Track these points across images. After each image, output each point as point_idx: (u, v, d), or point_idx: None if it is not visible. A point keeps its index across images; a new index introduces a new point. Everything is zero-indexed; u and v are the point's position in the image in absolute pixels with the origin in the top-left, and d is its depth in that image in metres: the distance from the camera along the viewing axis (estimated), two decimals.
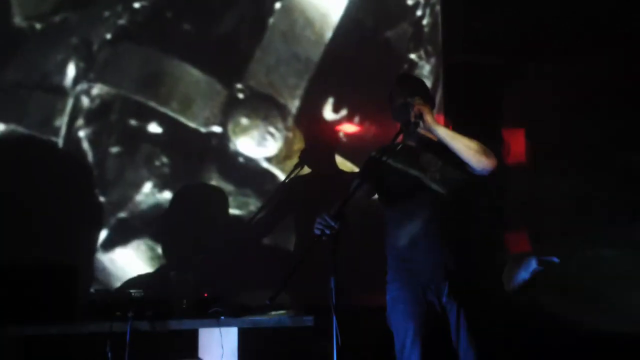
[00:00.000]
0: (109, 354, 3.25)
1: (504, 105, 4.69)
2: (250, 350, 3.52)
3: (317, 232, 2.92)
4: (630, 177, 4.45)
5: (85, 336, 3.45)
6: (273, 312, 3.49)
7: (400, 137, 3.29)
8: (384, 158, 3.24)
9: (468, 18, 4.60)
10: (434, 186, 3.23)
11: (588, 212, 4.49)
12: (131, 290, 3.61)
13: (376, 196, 3.39)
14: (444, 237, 3.19)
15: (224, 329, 3.44)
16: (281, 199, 4.41)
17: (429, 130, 3.22)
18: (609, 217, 4.43)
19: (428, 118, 3.19)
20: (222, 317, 3.43)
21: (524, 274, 3.85)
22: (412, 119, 3.19)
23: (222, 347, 3.40)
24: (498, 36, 4.58)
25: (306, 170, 4.39)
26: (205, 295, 3.59)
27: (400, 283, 3.26)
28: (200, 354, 3.66)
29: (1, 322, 3.36)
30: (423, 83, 3.54)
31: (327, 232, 2.89)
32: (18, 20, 4.25)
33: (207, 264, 4.17)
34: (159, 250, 4.32)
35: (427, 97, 3.41)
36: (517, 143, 4.67)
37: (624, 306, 4.10)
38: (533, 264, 3.88)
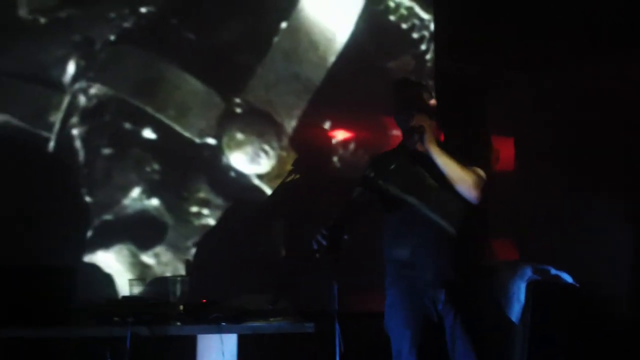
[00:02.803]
0: None
1: (494, 114, 4.82)
2: (249, 357, 3.48)
3: (315, 246, 2.95)
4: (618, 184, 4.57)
5: (77, 341, 3.35)
6: (273, 318, 3.44)
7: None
8: (380, 174, 3.32)
9: (459, 29, 4.74)
10: (433, 197, 3.31)
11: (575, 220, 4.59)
12: (127, 295, 3.54)
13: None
14: (442, 246, 3.27)
15: (224, 335, 3.38)
16: (276, 203, 4.41)
17: (426, 149, 3.32)
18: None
19: (427, 139, 3.30)
20: (223, 323, 3.37)
21: (519, 282, 3.83)
22: (415, 135, 3.30)
23: (223, 354, 3.35)
24: (488, 46, 4.74)
25: (301, 178, 4.41)
26: (204, 300, 3.54)
27: (398, 289, 3.32)
28: None
29: None
30: (422, 91, 3.58)
31: (324, 243, 2.93)
32: (23, 12, 4.19)
33: (204, 268, 4.13)
34: (141, 256, 4.25)
35: (429, 109, 3.47)
36: (506, 151, 4.79)
37: None
38: (528, 273, 3.84)
